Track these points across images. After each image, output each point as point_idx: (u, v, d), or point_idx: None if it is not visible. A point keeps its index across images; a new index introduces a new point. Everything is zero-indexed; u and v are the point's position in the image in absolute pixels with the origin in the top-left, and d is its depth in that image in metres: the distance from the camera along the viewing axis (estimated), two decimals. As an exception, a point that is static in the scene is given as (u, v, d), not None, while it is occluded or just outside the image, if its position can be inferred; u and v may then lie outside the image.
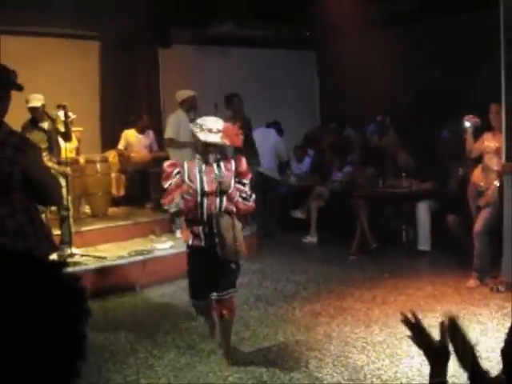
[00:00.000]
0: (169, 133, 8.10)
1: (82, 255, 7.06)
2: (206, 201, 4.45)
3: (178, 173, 4.50)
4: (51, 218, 7.12)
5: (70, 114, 7.18)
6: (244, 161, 4.66)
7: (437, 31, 10.15)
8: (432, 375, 1.73)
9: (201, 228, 4.47)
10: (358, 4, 9.97)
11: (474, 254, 6.47)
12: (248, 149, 8.84)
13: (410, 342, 4.99)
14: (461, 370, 1.77)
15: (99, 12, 9.20)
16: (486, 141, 6.57)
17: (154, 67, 11.07)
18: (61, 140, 7.13)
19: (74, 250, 7.01)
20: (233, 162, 4.59)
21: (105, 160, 9.21)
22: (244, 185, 4.59)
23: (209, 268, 4.53)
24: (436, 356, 1.72)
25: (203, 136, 4.42)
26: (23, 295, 0.79)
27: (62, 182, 6.68)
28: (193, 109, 8.08)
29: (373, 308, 5.90)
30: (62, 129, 6.96)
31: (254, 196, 4.66)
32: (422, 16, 10.01)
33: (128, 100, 10.64)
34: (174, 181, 4.47)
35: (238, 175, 4.56)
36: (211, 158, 4.50)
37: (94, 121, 10.49)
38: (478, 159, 6.72)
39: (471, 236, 6.50)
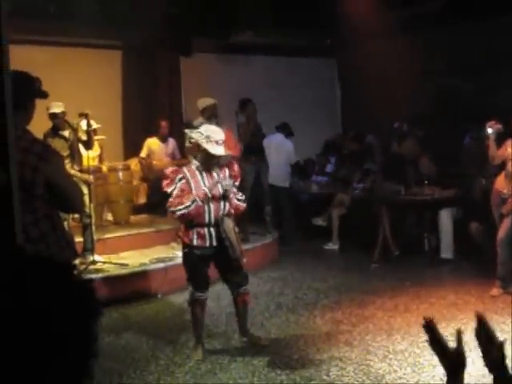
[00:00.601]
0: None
1: (104, 262, 7.11)
2: (212, 206, 4.78)
3: (182, 178, 4.78)
4: (74, 226, 7.18)
5: (92, 122, 7.26)
6: (236, 165, 5.09)
7: (458, 36, 10.08)
8: (448, 383, 1.73)
9: (206, 230, 4.81)
10: (377, 10, 9.95)
11: (497, 262, 6.39)
12: (259, 156, 8.87)
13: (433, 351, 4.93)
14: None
15: (122, 22, 9.30)
16: (509, 147, 6.50)
17: (175, 75, 11.15)
18: (82, 148, 7.20)
19: (96, 258, 7.05)
20: (225, 167, 4.97)
21: (127, 168, 9.28)
22: (235, 187, 5.01)
23: (208, 264, 4.99)
24: (451, 363, 1.72)
25: (212, 149, 4.73)
26: (33, 294, 0.80)
27: (84, 189, 6.74)
28: (214, 116, 8.11)
29: (395, 316, 5.85)
30: (83, 137, 7.04)
31: (244, 196, 5.10)
32: (443, 21, 9.95)
33: (150, 108, 10.72)
34: (178, 185, 4.75)
35: (232, 178, 4.97)
36: (214, 167, 4.87)
37: (116, 129, 10.59)
38: (502, 166, 6.65)
39: (494, 244, 6.43)
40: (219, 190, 4.80)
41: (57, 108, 6.95)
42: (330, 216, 9.38)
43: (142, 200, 9.92)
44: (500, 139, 6.64)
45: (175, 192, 4.72)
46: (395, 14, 10.14)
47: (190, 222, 4.81)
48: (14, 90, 2.20)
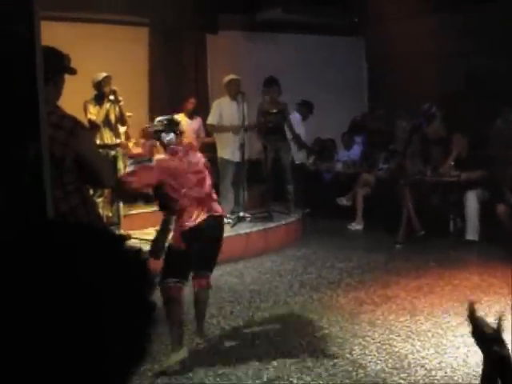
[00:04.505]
0: (209, 119, 8.54)
1: (130, 238, 7.17)
2: None
3: None
4: (103, 201, 7.27)
5: (120, 98, 7.35)
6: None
7: (489, 16, 9.88)
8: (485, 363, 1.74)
9: None
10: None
11: (523, 244, 6.34)
12: (278, 135, 8.80)
13: (456, 332, 4.92)
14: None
15: (149, -2, 9.29)
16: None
17: (201, 53, 11.11)
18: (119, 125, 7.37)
19: (122, 233, 7.13)
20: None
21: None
22: None
23: None
24: (488, 344, 1.72)
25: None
26: (85, 268, 0.80)
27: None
28: (239, 93, 8.13)
29: (418, 297, 5.85)
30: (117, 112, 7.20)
31: None
32: (474, 0, 9.77)
33: (176, 86, 10.71)
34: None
35: None
36: None
37: (142, 107, 10.60)
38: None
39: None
40: None
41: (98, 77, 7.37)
42: (355, 196, 9.35)
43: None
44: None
45: None
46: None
47: None
48: (44, 64, 2.22)
